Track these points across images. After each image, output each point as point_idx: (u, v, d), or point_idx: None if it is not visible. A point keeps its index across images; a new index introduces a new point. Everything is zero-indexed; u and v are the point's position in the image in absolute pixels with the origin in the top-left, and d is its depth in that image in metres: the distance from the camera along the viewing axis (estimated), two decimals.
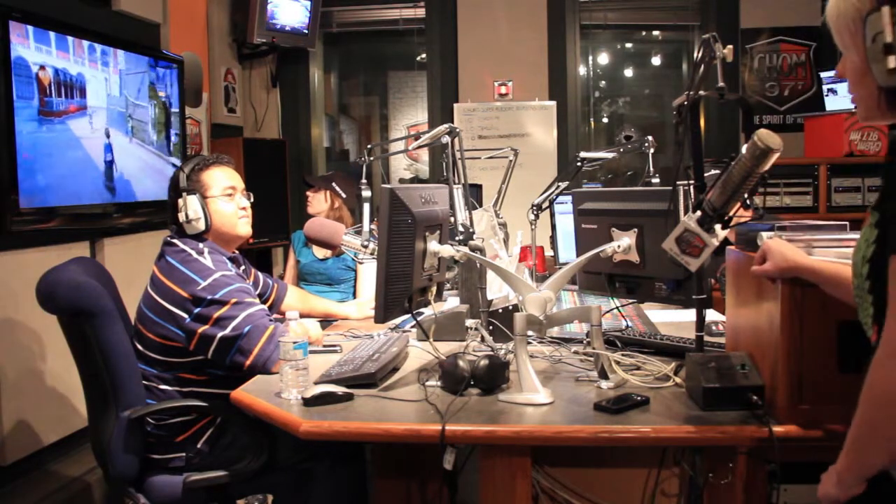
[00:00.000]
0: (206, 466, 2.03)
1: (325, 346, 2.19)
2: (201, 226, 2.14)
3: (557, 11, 5.09)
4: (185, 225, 2.13)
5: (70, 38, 2.98)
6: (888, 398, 1.04)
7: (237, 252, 2.35)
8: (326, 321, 2.72)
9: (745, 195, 1.52)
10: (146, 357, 2.08)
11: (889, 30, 1.07)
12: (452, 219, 2.21)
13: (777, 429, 1.44)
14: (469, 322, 2.25)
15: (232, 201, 2.21)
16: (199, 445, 2.05)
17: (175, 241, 2.14)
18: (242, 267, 2.37)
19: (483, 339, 2.11)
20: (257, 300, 2.10)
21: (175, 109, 3.76)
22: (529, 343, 1.95)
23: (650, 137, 2.71)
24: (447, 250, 1.87)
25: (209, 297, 1.99)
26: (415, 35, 5.42)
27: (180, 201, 2.13)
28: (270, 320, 2.03)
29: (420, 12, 5.32)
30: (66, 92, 2.97)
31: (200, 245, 2.13)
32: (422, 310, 2.00)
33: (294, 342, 1.73)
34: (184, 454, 2.04)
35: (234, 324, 1.97)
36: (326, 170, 5.64)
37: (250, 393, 1.78)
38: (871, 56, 1.11)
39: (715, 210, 1.54)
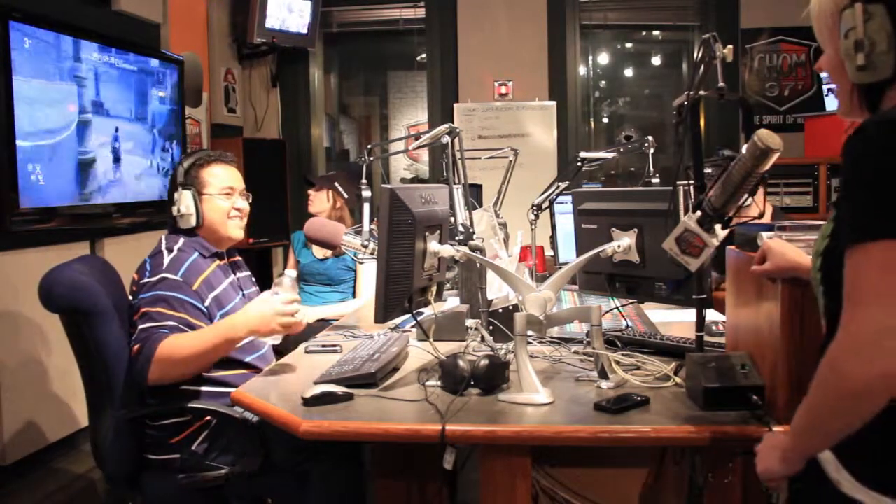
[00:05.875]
0: (202, 468, 2.02)
1: (325, 346, 2.19)
2: (192, 221, 2.15)
3: (557, 11, 5.10)
4: (177, 219, 2.16)
5: (70, 38, 2.98)
6: (840, 393, 1.02)
7: (239, 258, 2.34)
8: (326, 321, 2.72)
9: (745, 195, 1.52)
10: None
11: (861, 26, 1.08)
12: (452, 219, 2.21)
13: (777, 429, 1.44)
14: (469, 322, 2.25)
15: (227, 200, 2.20)
16: (194, 447, 2.04)
17: (163, 237, 2.17)
18: (240, 274, 2.31)
19: (483, 339, 2.11)
20: (185, 315, 2.02)
21: (175, 109, 3.76)
22: (529, 343, 1.95)
23: (650, 137, 2.71)
24: (447, 250, 1.87)
25: (144, 294, 2.02)
26: (415, 35, 5.42)
27: (175, 195, 2.15)
28: (165, 336, 1.95)
29: (420, 12, 5.32)
30: (66, 92, 2.97)
31: (181, 240, 2.14)
32: (422, 310, 2.00)
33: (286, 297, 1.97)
34: (179, 455, 2.04)
35: (144, 325, 1.98)
36: (326, 170, 5.64)
37: (250, 393, 1.78)
38: (843, 52, 1.12)
39: (715, 210, 1.54)
